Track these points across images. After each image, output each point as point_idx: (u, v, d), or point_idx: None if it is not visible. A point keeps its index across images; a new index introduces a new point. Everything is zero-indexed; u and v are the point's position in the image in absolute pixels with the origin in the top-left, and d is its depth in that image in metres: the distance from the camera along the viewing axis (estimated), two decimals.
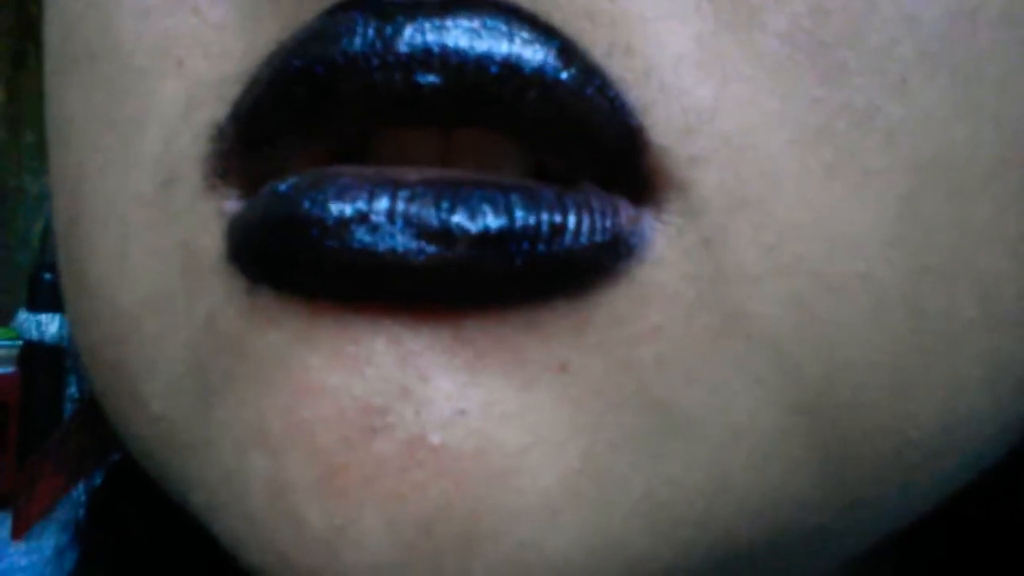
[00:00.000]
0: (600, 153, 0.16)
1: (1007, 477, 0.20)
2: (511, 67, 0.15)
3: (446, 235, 0.15)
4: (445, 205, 0.15)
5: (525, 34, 0.15)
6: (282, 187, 0.16)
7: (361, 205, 0.15)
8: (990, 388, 0.18)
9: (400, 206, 0.15)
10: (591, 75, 0.15)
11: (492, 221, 0.15)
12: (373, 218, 0.15)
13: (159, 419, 0.18)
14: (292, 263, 0.16)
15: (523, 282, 0.15)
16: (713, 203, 0.15)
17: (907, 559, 0.23)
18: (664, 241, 0.16)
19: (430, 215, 0.15)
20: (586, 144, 0.16)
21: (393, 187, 0.15)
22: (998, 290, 0.17)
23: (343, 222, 0.15)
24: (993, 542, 0.23)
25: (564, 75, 0.15)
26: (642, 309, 0.16)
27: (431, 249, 0.15)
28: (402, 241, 0.15)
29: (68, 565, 0.29)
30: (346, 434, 0.15)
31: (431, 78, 0.15)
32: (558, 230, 0.15)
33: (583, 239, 0.15)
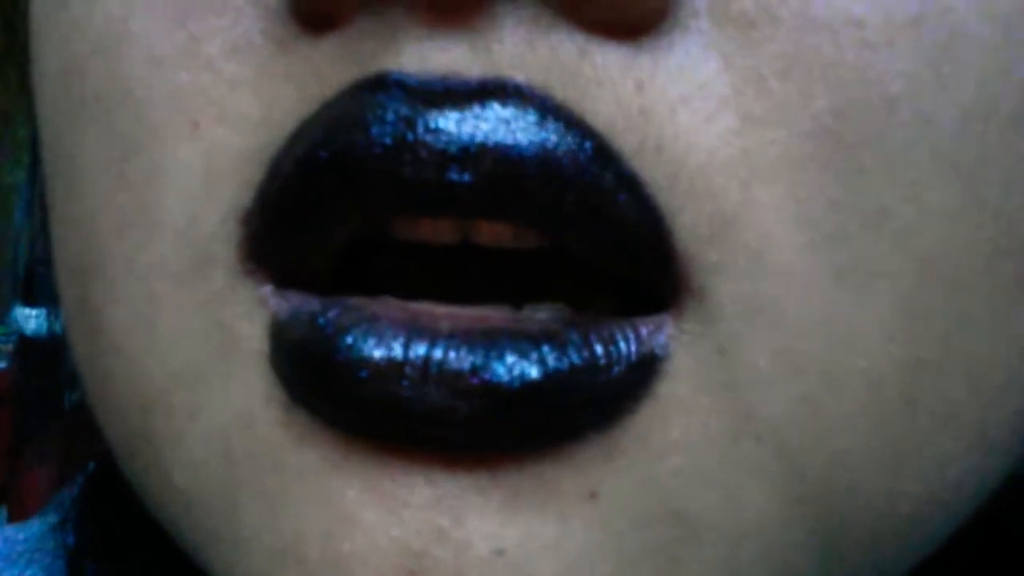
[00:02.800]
0: (630, 256, 0.16)
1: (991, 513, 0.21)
2: (550, 168, 0.15)
3: (484, 391, 0.15)
4: (479, 361, 0.15)
5: (561, 131, 0.15)
6: (320, 319, 0.16)
7: (397, 354, 0.15)
8: (977, 456, 0.18)
9: (436, 358, 0.15)
10: (624, 180, 0.15)
11: (528, 374, 0.15)
12: (408, 370, 0.15)
13: (183, 491, 0.18)
14: (328, 400, 0.16)
15: (559, 427, 0.16)
16: (728, 310, 0.16)
17: None
18: (682, 350, 0.16)
19: (466, 370, 0.15)
20: (617, 247, 0.16)
21: (429, 337, 0.15)
22: (988, 373, 0.17)
23: (380, 371, 0.15)
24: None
25: (601, 180, 0.15)
26: (665, 425, 0.16)
27: (468, 407, 0.15)
28: (437, 397, 0.15)
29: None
30: (385, 574, 0.16)
31: (466, 177, 0.15)
32: (589, 371, 0.15)
33: (613, 372, 0.16)
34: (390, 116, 0.15)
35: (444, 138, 0.15)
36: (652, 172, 0.16)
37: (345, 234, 0.17)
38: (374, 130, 0.15)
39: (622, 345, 0.16)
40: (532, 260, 0.17)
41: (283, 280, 0.17)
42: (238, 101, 0.17)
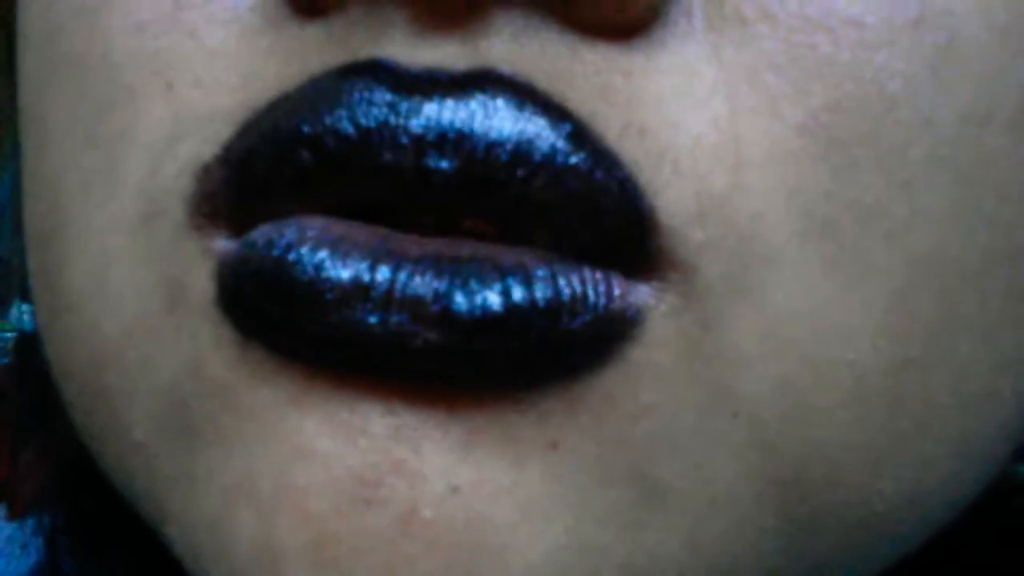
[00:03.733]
0: (606, 233, 0.16)
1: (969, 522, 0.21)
2: (521, 154, 0.15)
3: (443, 320, 0.15)
4: (443, 287, 0.15)
5: (537, 117, 0.15)
6: (280, 242, 0.16)
7: (363, 277, 0.15)
8: (956, 463, 0.18)
9: (400, 281, 0.15)
10: (601, 158, 0.15)
11: (490, 304, 0.15)
12: (373, 294, 0.15)
13: (140, 446, 0.18)
14: (289, 329, 0.16)
15: (517, 366, 0.16)
16: (715, 289, 0.16)
17: None
18: (662, 321, 0.16)
19: (428, 297, 0.15)
20: (592, 225, 0.16)
21: (395, 260, 0.15)
22: (971, 377, 0.18)
23: (343, 297, 0.15)
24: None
25: (573, 160, 0.15)
26: (635, 389, 0.16)
27: (429, 335, 0.15)
28: (400, 323, 0.15)
29: (33, 558, 0.29)
30: (339, 503, 0.16)
31: (443, 164, 0.15)
32: (553, 316, 0.15)
33: (577, 322, 0.15)
34: (376, 99, 0.15)
35: (424, 123, 0.15)
36: (634, 153, 0.16)
37: (312, 207, 0.16)
38: (359, 111, 0.15)
39: (590, 295, 0.16)
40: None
41: (236, 233, 0.17)
42: (216, 68, 0.17)
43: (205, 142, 0.17)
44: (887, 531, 0.18)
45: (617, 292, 0.16)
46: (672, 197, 0.16)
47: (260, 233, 0.16)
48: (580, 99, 0.16)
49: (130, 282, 0.18)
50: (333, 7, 0.16)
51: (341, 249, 0.15)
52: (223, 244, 0.17)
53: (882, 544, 0.19)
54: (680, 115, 0.16)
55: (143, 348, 0.18)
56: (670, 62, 0.16)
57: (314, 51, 0.16)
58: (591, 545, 0.16)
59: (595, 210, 0.15)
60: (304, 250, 0.15)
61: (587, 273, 0.16)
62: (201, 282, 0.17)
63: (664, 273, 0.16)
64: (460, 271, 0.15)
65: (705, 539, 0.17)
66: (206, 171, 0.17)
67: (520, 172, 0.15)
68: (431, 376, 0.16)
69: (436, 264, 0.15)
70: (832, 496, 0.17)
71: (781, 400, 0.16)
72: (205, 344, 0.17)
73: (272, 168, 0.16)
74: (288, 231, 0.16)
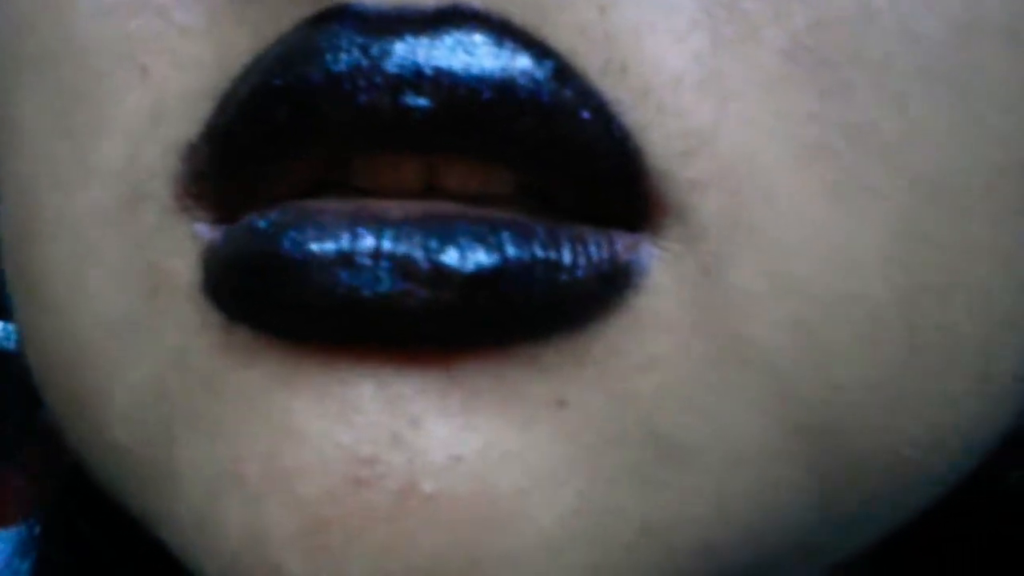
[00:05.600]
0: (596, 178, 0.15)
1: (982, 479, 0.20)
2: (505, 91, 0.15)
3: (436, 276, 0.14)
4: (434, 244, 0.14)
5: (518, 52, 0.15)
6: (261, 223, 0.15)
7: (344, 245, 0.15)
8: (979, 399, 0.18)
9: (386, 245, 0.15)
10: (587, 97, 0.15)
11: (484, 260, 0.15)
12: (358, 259, 0.15)
13: (120, 447, 0.18)
14: (273, 304, 0.15)
15: (518, 322, 0.15)
16: (712, 228, 0.15)
17: (882, 560, 0.24)
18: (662, 268, 0.15)
19: (418, 255, 0.14)
20: (582, 169, 0.15)
21: (377, 225, 0.15)
22: (991, 303, 0.17)
23: (326, 264, 0.15)
24: (964, 539, 0.24)
25: (560, 99, 0.15)
26: (641, 339, 0.15)
27: (421, 292, 0.14)
28: (389, 283, 0.14)
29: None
30: (330, 486, 0.15)
31: (421, 101, 0.15)
32: (552, 267, 0.15)
33: (579, 273, 0.15)
34: (344, 43, 0.15)
35: (399, 62, 0.15)
36: (617, 91, 0.15)
37: (298, 173, 0.16)
38: (328, 57, 0.15)
39: (592, 250, 0.15)
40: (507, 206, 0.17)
41: (222, 219, 0.17)
42: (190, 46, 0.16)
43: (189, 121, 0.16)
44: (914, 478, 0.18)
45: (620, 247, 0.15)
46: (658, 137, 0.15)
47: (244, 220, 0.16)
48: (557, 35, 0.15)
49: (111, 275, 0.17)
50: None
51: (322, 221, 0.15)
52: (209, 229, 0.16)
53: (911, 493, 0.18)
54: (660, 50, 0.15)
55: (124, 343, 0.17)
56: None
57: (279, 12, 0.16)
58: (606, 508, 0.16)
59: (584, 152, 0.15)
60: (287, 228, 0.15)
61: (586, 229, 0.15)
62: (186, 268, 0.16)
63: (659, 218, 0.15)
64: (450, 229, 0.15)
65: (733, 498, 0.16)
66: (192, 149, 0.16)
67: (505, 111, 0.15)
68: (426, 339, 0.15)
69: (423, 224, 0.15)
70: (858, 441, 0.16)
71: (793, 342, 0.16)
72: (189, 331, 0.16)
73: (252, 132, 0.16)
74: (272, 214, 0.15)
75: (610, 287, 0.15)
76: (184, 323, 0.16)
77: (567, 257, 0.15)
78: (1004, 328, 0.17)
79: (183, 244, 0.16)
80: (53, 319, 0.18)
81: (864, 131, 0.15)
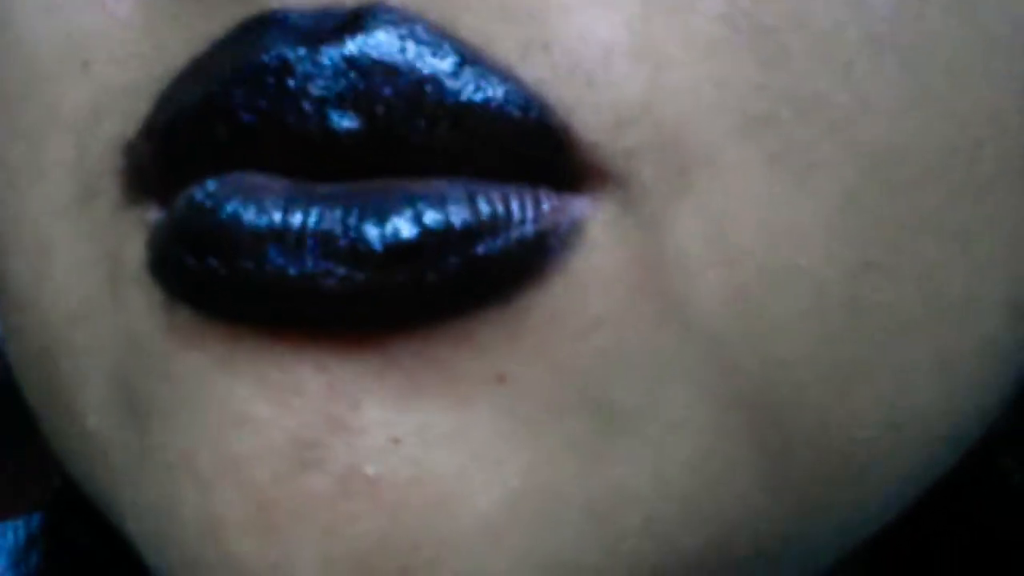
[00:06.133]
0: (520, 159, 0.15)
1: (966, 479, 0.20)
2: (415, 100, 0.15)
3: (353, 252, 0.14)
4: (352, 221, 0.14)
5: (425, 55, 0.15)
6: (198, 195, 0.15)
7: (276, 219, 0.15)
8: (938, 383, 0.17)
9: (312, 220, 0.15)
10: (496, 85, 0.15)
11: (401, 230, 0.14)
12: (287, 237, 0.14)
13: (93, 435, 0.18)
14: (209, 282, 0.15)
15: (445, 295, 0.15)
16: (654, 193, 0.15)
17: (876, 568, 0.23)
18: (600, 227, 0.15)
19: (337, 231, 0.14)
20: (507, 155, 0.15)
21: (307, 200, 0.15)
22: (943, 283, 0.16)
23: (259, 239, 0.15)
24: (958, 550, 0.23)
25: (466, 95, 0.15)
26: (581, 300, 0.15)
27: (340, 271, 0.14)
28: (312, 263, 0.14)
29: None
30: (277, 469, 0.15)
31: (345, 122, 0.15)
32: (473, 233, 0.14)
33: (506, 239, 0.15)
34: (270, 62, 0.15)
35: (322, 83, 0.15)
36: (539, 71, 0.15)
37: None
38: (258, 80, 0.15)
39: (515, 210, 0.15)
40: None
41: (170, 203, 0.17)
42: (129, 40, 0.17)
43: (127, 118, 0.16)
44: (874, 466, 0.17)
45: (546, 206, 0.15)
46: (587, 111, 0.15)
47: (187, 190, 0.16)
48: (475, 22, 0.15)
49: (72, 267, 0.18)
50: None
51: (257, 195, 0.15)
52: (156, 213, 0.17)
53: (872, 484, 0.18)
54: (589, 23, 0.15)
55: (88, 332, 0.17)
56: None
57: (215, 7, 0.16)
58: (549, 486, 0.15)
59: (504, 142, 0.15)
60: (222, 200, 0.15)
61: (509, 189, 0.15)
62: (136, 253, 0.17)
63: (596, 184, 0.15)
64: (369, 201, 0.15)
65: (670, 470, 0.16)
66: (132, 147, 0.17)
67: (419, 123, 0.15)
68: (355, 321, 0.15)
69: (346, 198, 0.15)
70: (803, 419, 0.16)
71: (734, 312, 0.15)
72: (139, 314, 0.17)
73: (192, 142, 0.16)
74: (209, 184, 0.16)
75: (541, 251, 0.15)
76: (135, 306, 0.17)
77: (488, 225, 0.15)
78: (961, 311, 0.17)
79: (135, 231, 0.17)
80: (21, 314, 0.19)
81: (811, 102, 0.15)
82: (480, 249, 0.15)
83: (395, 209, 0.15)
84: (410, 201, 0.15)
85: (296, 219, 0.15)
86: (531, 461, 0.15)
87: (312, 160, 0.15)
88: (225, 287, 0.15)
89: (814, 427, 0.16)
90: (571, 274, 0.15)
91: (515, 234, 0.15)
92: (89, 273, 0.17)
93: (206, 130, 0.15)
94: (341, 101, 0.15)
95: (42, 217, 0.18)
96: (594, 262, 0.15)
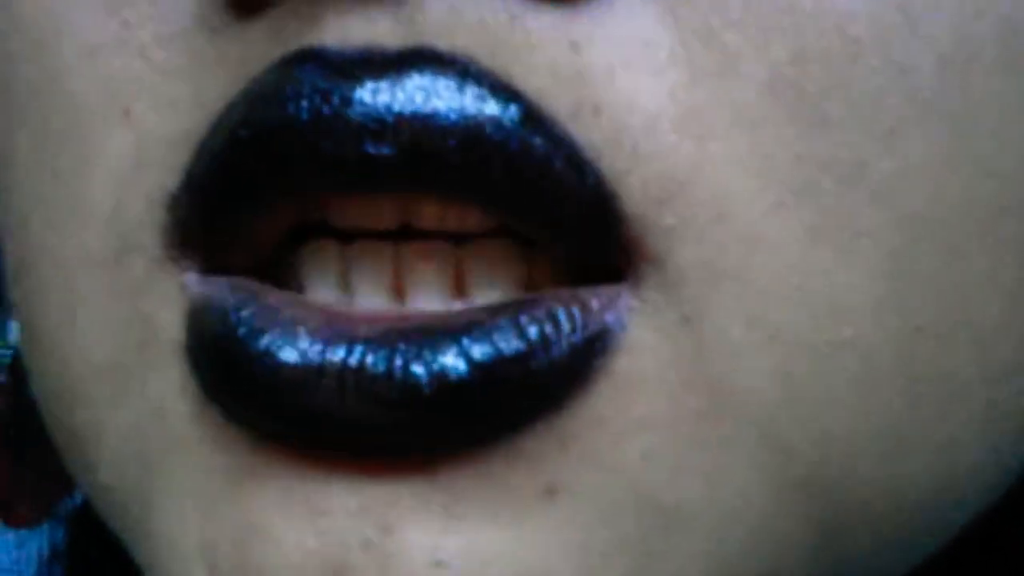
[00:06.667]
0: (570, 224, 0.15)
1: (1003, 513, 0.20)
2: (470, 138, 0.14)
3: (399, 397, 0.14)
4: (397, 365, 0.14)
5: (483, 96, 0.14)
6: (233, 317, 0.15)
7: (314, 359, 0.15)
8: (988, 441, 0.17)
9: (352, 364, 0.14)
10: (558, 144, 0.14)
11: (449, 368, 0.14)
12: (325, 379, 0.14)
13: (106, 488, 0.18)
14: (242, 403, 0.15)
15: (493, 420, 0.15)
16: (691, 276, 0.15)
17: None
18: (641, 322, 0.15)
19: (380, 377, 0.14)
20: (554, 215, 0.15)
21: (347, 342, 0.15)
22: (995, 344, 0.16)
23: (296, 380, 0.15)
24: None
25: (528, 146, 0.14)
26: (624, 403, 0.15)
27: (385, 415, 0.14)
28: (355, 406, 0.14)
29: None
30: None
31: (384, 149, 0.14)
32: (520, 358, 0.14)
33: (554, 352, 0.15)
34: (307, 90, 0.15)
35: (360, 110, 0.14)
36: (590, 135, 0.15)
37: (276, 220, 0.16)
38: (291, 106, 0.15)
39: (564, 325, 0.15)
40: (483, 244, 0.17)
41: (210, 268, 0.17)
42: (170, 87, 0.16)
43: (169, 169, 0.16)
44: (922, 524, 0.17)
45: (595, 306, 0.15)
46: (634, 182, 0.15)
47: (218, 301, 0.16)
48: (526, 75, 0.15)
49: (101, 320, 0.17)
50: (270, 1, 0.16)
51: (292, 331, 0.15)
52: (195, 282, 0.16)
53: (919, 538, 0.18)
54: (635, 89, 0.15)
55: (112, 388, 0.17)
56: (621, 29, 0.15)
57: (256, 51, 0.16)
58: None
59: (556, 199, 0.15)
60: (259, 332, 0.15)
61: (556, 304, 0.15)
62: (172, 323, 0.16)
63: (636, 267, 0.15)
64: (413, 343, 0.15)
65: (728, 558, 0.16)
66: (175, 200, 0.16)
67: (471, 157, 0.14)
68: (400, 451, 0.15)
69: (388, 339, 0.15)
70: (857, 490, 0.16)
71: (782, 393, 0.15)
72: (171, 391, 0.16)
73: (225, 184, 0.16)
74: (246, 312, 0.15)
75: (586, 359, 0.15)
76: (167, 380, 0.17)
77: (537, 344, 0.15)
78: (1011, 369, 0.17)
79: (171, 296, 0.17)
80: (47, 356, 0.19)
81: (854, 171, 0.15)
82: (529, 371, 0.15)
83: (439, 346, 0.14)
84: (454, 337, 0.15)
85: (336, 357, 0.15)
86: (582, 565, 0.15)
87: (346, 187, 0.15)
88: (259, 412, 0.15)
89: (866, 496, 0.16)
90: (614, 377, 0.15)
91: (563, 348, 0.15)
92: (119, 332, 0.17)
93: (238, 165, 0.15)
94: (379, 132, 0.15)
95: (76, 266, 0.18)
96: (636, 364, 0.15)
